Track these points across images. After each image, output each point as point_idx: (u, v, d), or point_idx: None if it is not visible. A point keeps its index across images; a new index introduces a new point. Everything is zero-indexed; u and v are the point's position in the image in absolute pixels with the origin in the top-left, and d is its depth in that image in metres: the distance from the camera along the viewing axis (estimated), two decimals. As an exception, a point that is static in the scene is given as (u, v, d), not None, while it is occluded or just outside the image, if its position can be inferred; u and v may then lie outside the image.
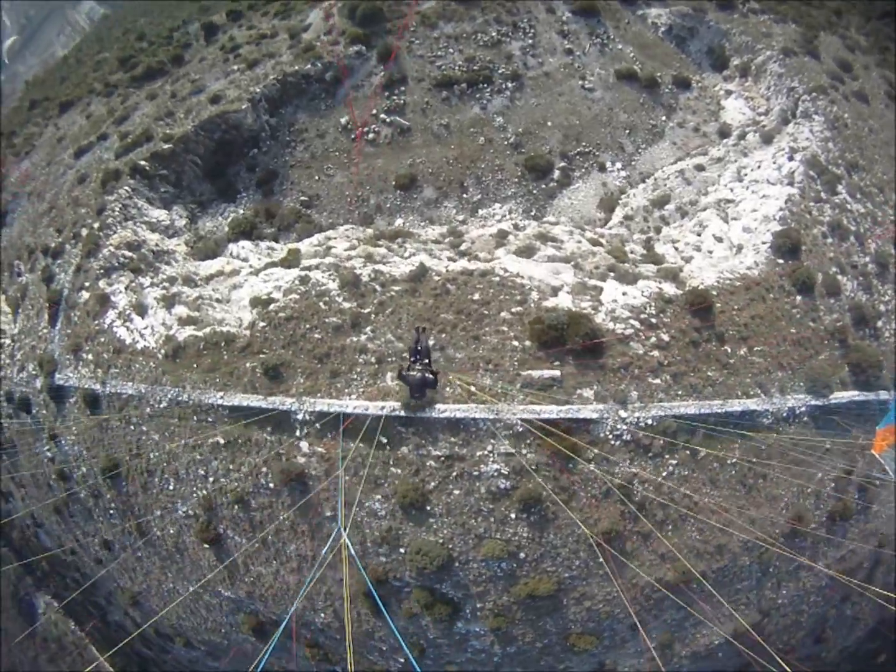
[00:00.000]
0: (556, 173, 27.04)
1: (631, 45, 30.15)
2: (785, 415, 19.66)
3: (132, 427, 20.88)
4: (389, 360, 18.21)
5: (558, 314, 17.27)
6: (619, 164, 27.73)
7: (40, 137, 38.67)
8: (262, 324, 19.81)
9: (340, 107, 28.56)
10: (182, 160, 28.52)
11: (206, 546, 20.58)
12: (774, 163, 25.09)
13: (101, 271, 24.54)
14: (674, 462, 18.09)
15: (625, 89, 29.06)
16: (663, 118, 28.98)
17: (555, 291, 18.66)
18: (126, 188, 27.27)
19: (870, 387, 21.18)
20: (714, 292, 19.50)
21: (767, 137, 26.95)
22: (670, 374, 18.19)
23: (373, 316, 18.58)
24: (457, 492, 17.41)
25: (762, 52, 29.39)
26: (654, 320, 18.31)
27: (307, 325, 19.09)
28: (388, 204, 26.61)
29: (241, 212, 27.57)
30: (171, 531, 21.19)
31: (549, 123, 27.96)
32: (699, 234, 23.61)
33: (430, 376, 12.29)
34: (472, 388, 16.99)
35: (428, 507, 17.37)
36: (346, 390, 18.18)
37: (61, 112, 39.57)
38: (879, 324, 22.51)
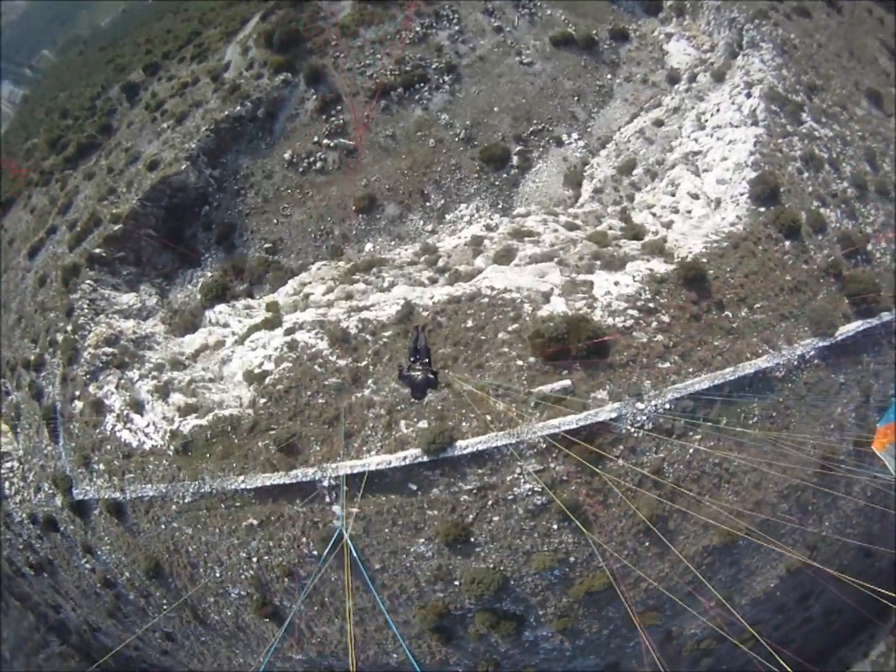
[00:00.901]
0: (515, 159, 26.29)
1: (560, 8, 28.91)
2: (796, 363, 19.70)
3: (163, 526, 20.78)
4: (399, 408, 17.98)
5: (556, 324, 16.97)
6: (575, 135, 26.95)
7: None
8: (262, 400, 19.48)
9: (281, 142, 27.49)
10: (136, 237, 27.57)
11: (266, 619, 20.74)
12: (733, 103, 24.39)
13: (88, 376, 24.03)
14: (698, 437, 18.25)
15: (564, 55, 28.02)
16: (609, 76, 28.05)
17: (546, 297, 18.30)
18: (88, 282, 26.44)
19: (871, 313, 21.15)
20: (704, 259, 19.21)
21: (719, 75, 26.14)
22: (678, 355, 18.07)
23: (371, 368, 18.25)
24: (496, 518, 17.56)
25: (694, -15, 28.29)
26: (651, 304, 18.07)
27: (308, 392, 18.77)
28: (353, 231, 25.92)
29: (209, 274, 26.82)
30: (229, 613, 21.33)
31: (496, 109, 27.02)
32: (673, 195, 23.12)
33: (431, 376, 12.41)
34: (483, 395, 16.97)
35: (472, 539, 17.57)
36: (364, 448, 18.01)
37: (4, 211, 38.01)
38: (869, 247, 22.29)
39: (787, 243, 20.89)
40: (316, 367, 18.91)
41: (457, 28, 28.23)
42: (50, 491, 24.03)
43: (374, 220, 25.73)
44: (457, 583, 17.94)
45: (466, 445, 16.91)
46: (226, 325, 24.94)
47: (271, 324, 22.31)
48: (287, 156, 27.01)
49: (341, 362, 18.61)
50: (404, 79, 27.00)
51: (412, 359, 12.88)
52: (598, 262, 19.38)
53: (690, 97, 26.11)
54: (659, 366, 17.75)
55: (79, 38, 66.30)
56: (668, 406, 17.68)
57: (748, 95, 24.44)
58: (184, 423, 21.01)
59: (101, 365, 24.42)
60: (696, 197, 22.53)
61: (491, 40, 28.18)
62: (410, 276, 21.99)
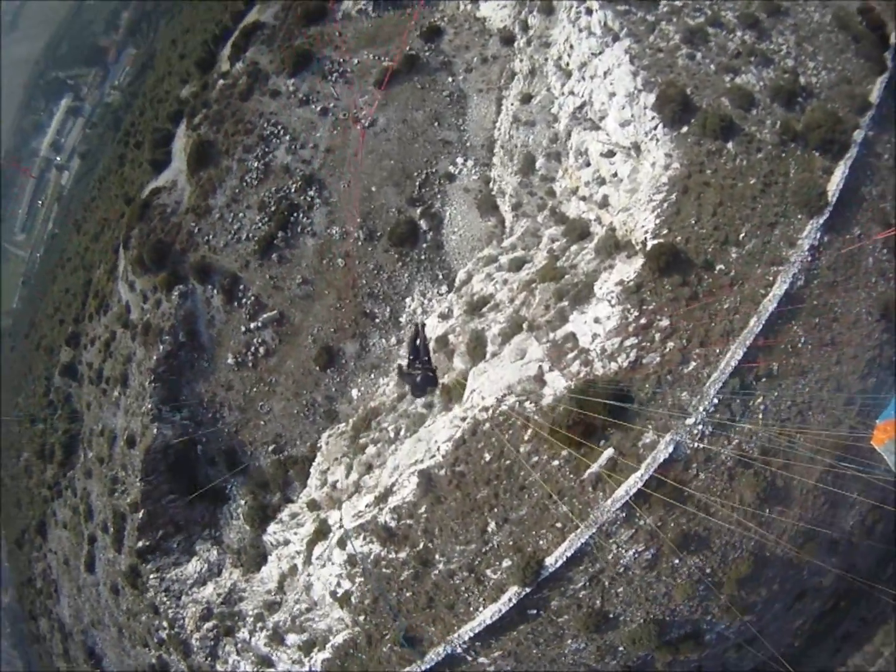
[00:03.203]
0: (423, 223, 24.45)
1: (363, 49, 26.59)
2: (810, 258, 17.48)
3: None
4: (477, 562, 17.10)
5: (565, 407, 15.53)
6: (459, 160, 24.82)
7: (48, 569, 38.38)
8: (360, 617, 19.04)
9: (217, 350, 26.54)
10: (162, 508, 27.48)
11: None
12: (580, 30, 21.71)
13: (209, 659, 24.59)
14: (759, 400, 16.42)
15: (396, 91, 25.77)
16: (450, 79, 25.66)
17: (539, 380, 16.72)
18: (152, 576, 26.64)
19: (845, 145, 18.64)
20: (664, 231, 17.10)
21: (547, 8, 23.38)
22: (698, 346, 16.29)
23: (430, 545, 17.40)
24: (620, 589, 16.81)
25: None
26: (643, 320, 16.22)
27: (393, 594, 18.16)
28: (332, 388, 24.87)
29: (243, 503, 26.47)
30: None
31: (374, 188, 25.15)
32: (589, 165, 20.83)
33: (431, 374, 11.87)
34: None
35: (610, 615, 16.93)
36: (471, 609, 17.31)
37: (41, 533, 39.03)
38: (802, 80, 19.52)
39: (730, 145, 18.38)
40: (384, 570, 18.24)
41: (288, 137, 26.32)
42: None
43: (343, 366, 24.61)
44: (621, 648, 17.48)
45: (555, 560, 16.11)
46: (287, 543, 24.59)
47: (322, 532, 21.74)
48: (230, 360, 26.09)
49: (402, 555, 17.85)
50: (278, 220, 25.45)
51: (411, 357, 12.40)
52: (566, 302, 17.54)
53: (536, 49, 23.46)
54: (685, 371, 16.05)
55: (2, 333, 67.09)
56: (716, 400, 16.07)
57: (588, 11, 21.64)
58: (313, 663, 21.02)
59: (211, 642, 24.80)
60: (611, 154, 20.19)
61: (325, 126, 26.16)
62: (407, 413, 20.87)
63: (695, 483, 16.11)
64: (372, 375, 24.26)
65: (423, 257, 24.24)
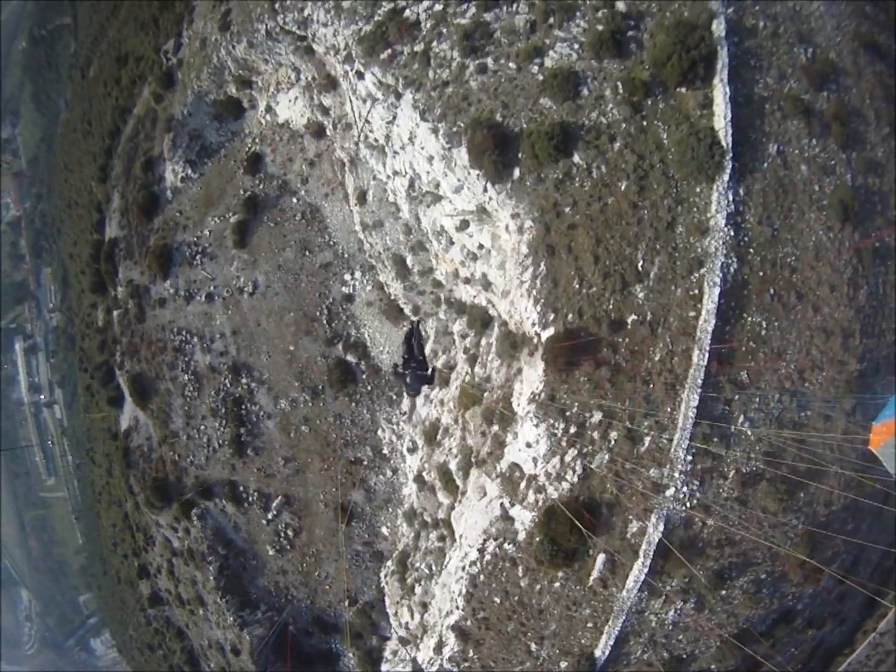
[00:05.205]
0: (350, 357, 23.78)
1: (207, 217, 25.46)
2: (734, 232, 15.05)
3: None
4: (545, 640, 16.88)
5: (538, 538, 15.16)
6: (347, 276, 23.64)
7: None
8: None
9: (253, 548, 27.27)
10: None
11: None
12: (365, 101, 19.78)
13: None
14: (741, 420, 14.97)
15: (258, 244, 24.77)
16: (295, 200, 24.38)
17: (507, 518, 16.04)
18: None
19: (712, 54, 15.43)
20: (550, 316, 15.30)
21: (330, 83, 21.57)
22: (644, 419, 14.71)
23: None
24: (681, 636, 16.57)
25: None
26: (572, 427, 14.81)
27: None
28: (364, 535, 25.25)
29: (351, 655, 27.66)
30: None
31: (292, 346, 24.62)
32: (452, 242, 19.05)
33: (425, 373, 12.37)
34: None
35: (684, 656, 16.91)
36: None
37: None
38: (621, 7, 16.47)
39: (576, 157, 15.37)
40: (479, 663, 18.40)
41: (195, 339, 26.08)
42: None
43: (362, 514, 24.90)
44: (713, 667, 17.26)
45: (601, 651, 16.33)
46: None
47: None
48: (272, 552, 27.01)
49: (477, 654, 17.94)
50: (233, 419, 25.64)
51: (405, 356, 12.62)
52: (496, 426, 16.42)
53: (341, 134, 21.59)
54: (642, 450, 14.70)
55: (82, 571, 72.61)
56: (690, 457, 14.73)
57: (360, 75, 19.15)
58: None
59: None
60: (465, 225, 18.27)
61: (218, 312, 25.69)
62: (429, 549, 21.18)
63: (706, 530, 15.26)
64: (389, 509, 24.37)
65: (369, 387, 23.61)
